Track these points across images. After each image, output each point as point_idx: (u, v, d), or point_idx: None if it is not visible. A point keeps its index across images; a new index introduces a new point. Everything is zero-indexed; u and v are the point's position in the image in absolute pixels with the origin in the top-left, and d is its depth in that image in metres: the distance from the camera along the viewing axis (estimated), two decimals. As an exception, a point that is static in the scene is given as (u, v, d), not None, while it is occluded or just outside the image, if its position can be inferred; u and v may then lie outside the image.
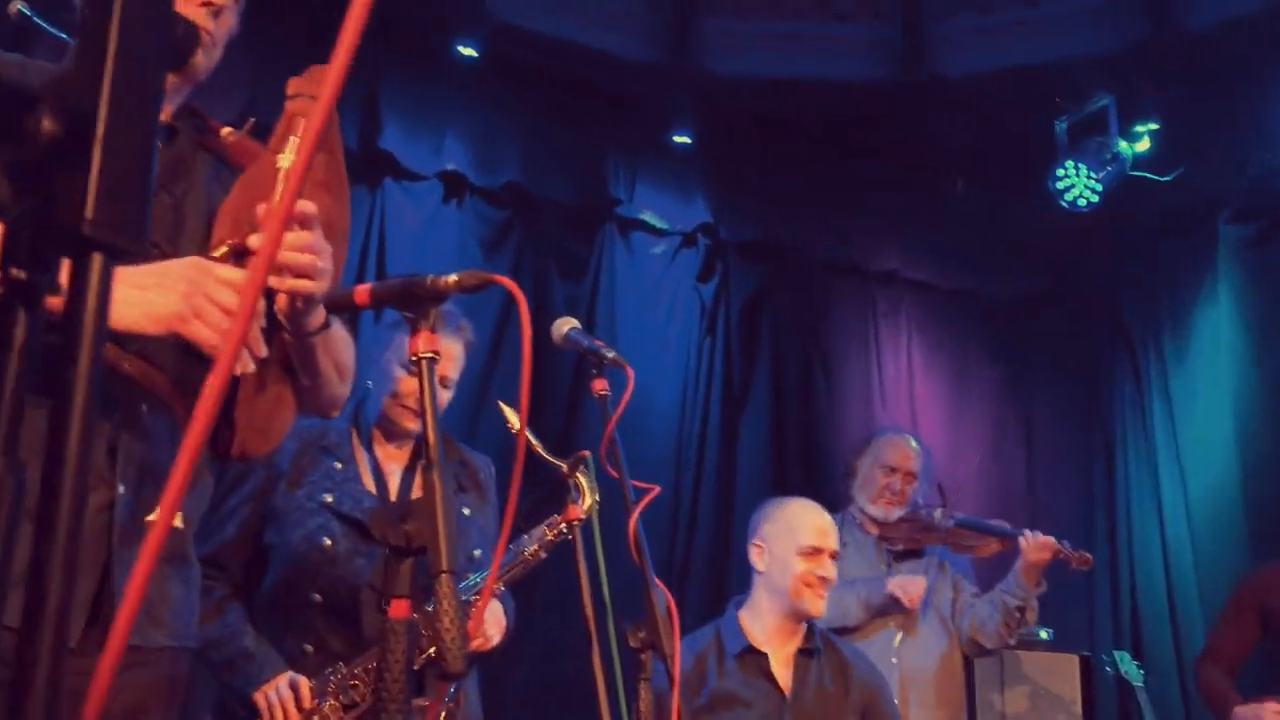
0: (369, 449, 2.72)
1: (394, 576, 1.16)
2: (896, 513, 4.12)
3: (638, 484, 2.10)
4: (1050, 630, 4.89)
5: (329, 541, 2.46)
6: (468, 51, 5.10)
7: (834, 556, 3.26)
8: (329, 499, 2.48)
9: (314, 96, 1.65)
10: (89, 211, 0.47)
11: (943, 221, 6.09)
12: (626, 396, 2.12)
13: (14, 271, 0.51)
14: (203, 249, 1.61)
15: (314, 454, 2.58)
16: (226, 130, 1.82)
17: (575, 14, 5.53)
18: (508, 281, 1.31)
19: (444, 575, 1.16)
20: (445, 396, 2.71)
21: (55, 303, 0.55)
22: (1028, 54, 5.41)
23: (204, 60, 1.78)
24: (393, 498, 2.66)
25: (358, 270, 4.98)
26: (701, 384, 5.68)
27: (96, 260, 0.50)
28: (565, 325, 2.33)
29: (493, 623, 2.54)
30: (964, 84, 5.54)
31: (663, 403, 5.56)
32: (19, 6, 1.94)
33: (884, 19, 5.76)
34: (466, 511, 2.70)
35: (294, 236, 1.53)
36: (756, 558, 3.32)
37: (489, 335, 5.14)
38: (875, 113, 5.73)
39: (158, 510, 1.36)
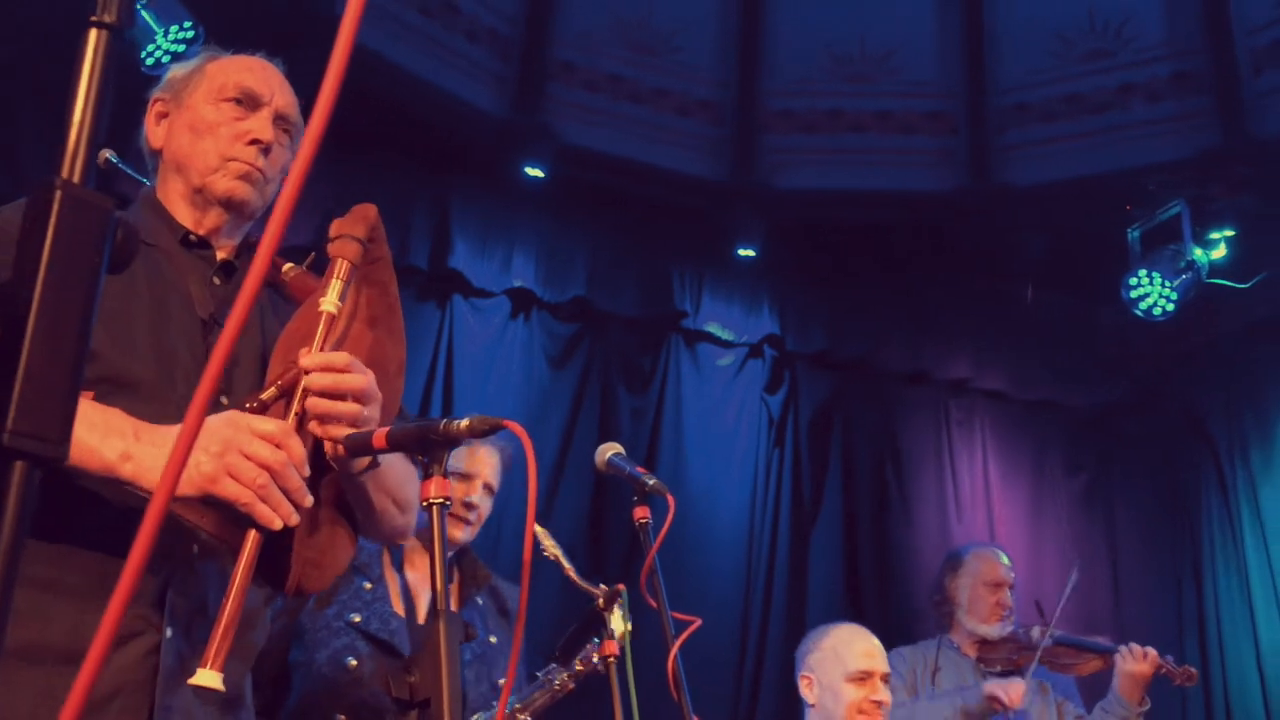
0: (400, 570, 2.73)
1: (398, 730, 1.14)
2: (1009, 627, 3.96)
3: (679, 615, 2.07)
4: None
5: (354, 661, 2.45)
6: (534, 173, 5.22)
7: (885, 679, 3.16)
8: (356, 619, 2.48)
9: (356, 237, 1.67)
10: (10, 422, 0.49)
11: (1016, 331, 6.00)
12: (667, 525, 2.09)
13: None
14: (258, 387, 1.63)
15: (344, 573, 2.58)
16: (287, 267, 1.83)
17: (638, 134, 5.66)
18: (515, 426, 1.31)
19: (444, 730, 1.13)
20: (486, 505, 2.77)
21: None
22: (1096, 163, 5.39)
23: (256, 199, 1.80)
24: (420, 620, 2.65)
25: (424, 386, 5.06)
26: (770, 497, 5.62)
27: (18, 468, 0.51)
28: (609, 451, 2.32)
29: None
30: (1032, 193, 5.52)
31: (730, 517, 5.50)
32: (108, 155, 2.03)
33: (949, 132, 5.79)
34: (494, 640, 2.70)
35: (351, 379, 1.54)
36: (806, 690, 3.22)
37: (554, 454, 5.16)
38: (942, 222, 5.72)
39: (199, 673, 1.37)
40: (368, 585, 2.62)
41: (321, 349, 1.57)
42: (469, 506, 2.77)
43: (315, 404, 1.53)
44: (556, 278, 5.41)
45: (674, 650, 1.98)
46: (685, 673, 5.20)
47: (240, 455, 1.44)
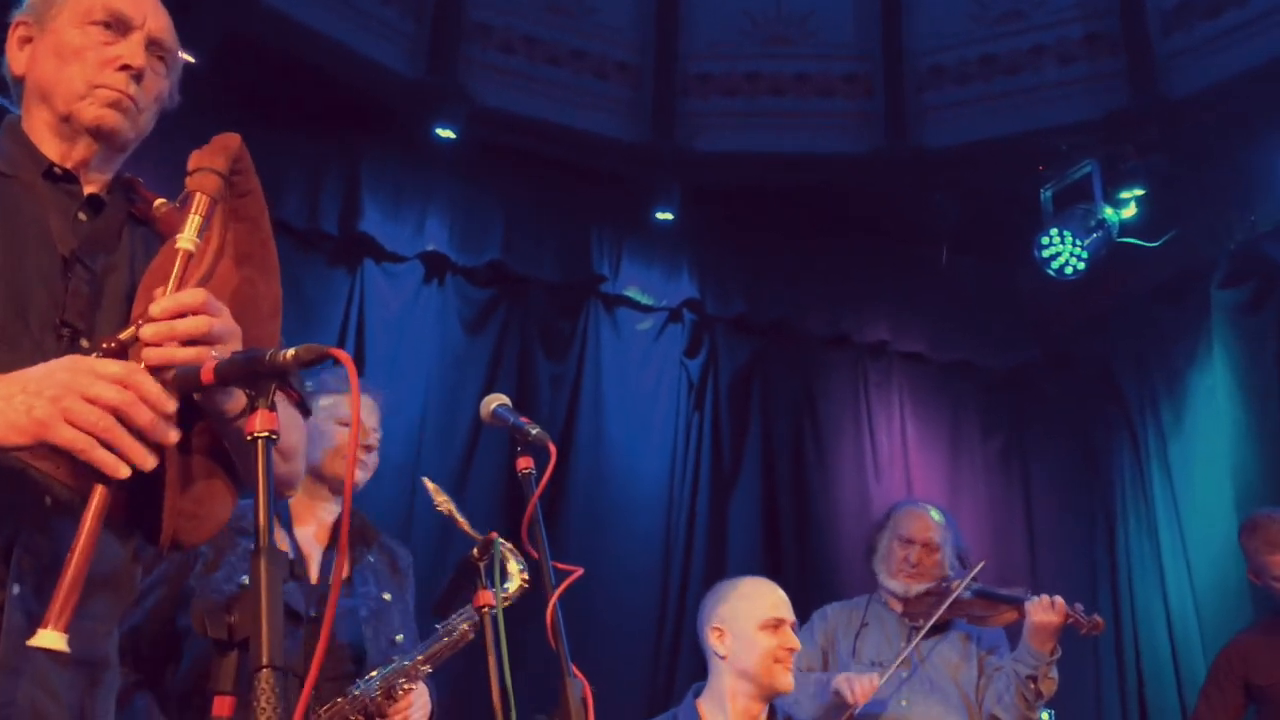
0: (289, 529, 2.67)
1: (218, 671, 1.09)
2: (918, 587, 3.95)
3: (559, 565, 2.04)
4: (1052, 711, 4.71)
5: None
6: (446, 134, 5.13)
7: (794, 627, 3.17)
8: (247, 581, 2.42)
9: (216, 170, 1.54)
10: None
11: (932, 292, 6.04)
12: (548, 473, 2.07)
13: None
14: (123, 325, 1.52)
15: (231, 536, 2.52)
16: (159, 202, 1.73)
17: (556, 96, 5.59)
18: (341, 354, 1.26)
19: (264, 670, 1.09)
20: (373, 457, 2.81)
21: None
22: (1009, 123, 5.42)
23: (127, 128, 1.70)
24: (313, 580, 2.60)
25: (337, 353, 4.97)
26: (690, 461, 5.61)
27: None
28: (494, 402, 2.28)
29: (419, 706, 2.46)
30: (948, 155, 5.55)
31: (650, 481, 5.50)
32: None
33: (866, 94, 5.79)
34: (387, 597, 2.67)
35: (187, 324, 1.44)
36: (716, 641, 3.19)
37: (470, 421, 5.11)
38: (859, 185, 5.73)
39: (39, 633, 1.30)
40: (252, 545, 2.55)
41: (178, 288, 1.47)
42: (368, 449, 2.79)
43: (149, 354, 1.43)
44: (472, 241, 5.34)
45: (553, 600, 1.95)
46: (603, 633, 5.20)
47: (79, 398, 1.35)
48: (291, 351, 1.28)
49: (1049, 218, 5.28)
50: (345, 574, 2.69)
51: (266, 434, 1.28)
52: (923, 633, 3.81)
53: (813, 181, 5.77)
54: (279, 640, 1.11)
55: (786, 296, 5.91)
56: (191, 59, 4.43)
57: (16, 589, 1.44)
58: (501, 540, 2.17)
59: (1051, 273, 5.21)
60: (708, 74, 5.86)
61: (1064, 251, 5.18)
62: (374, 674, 2.49)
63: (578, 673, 1.94)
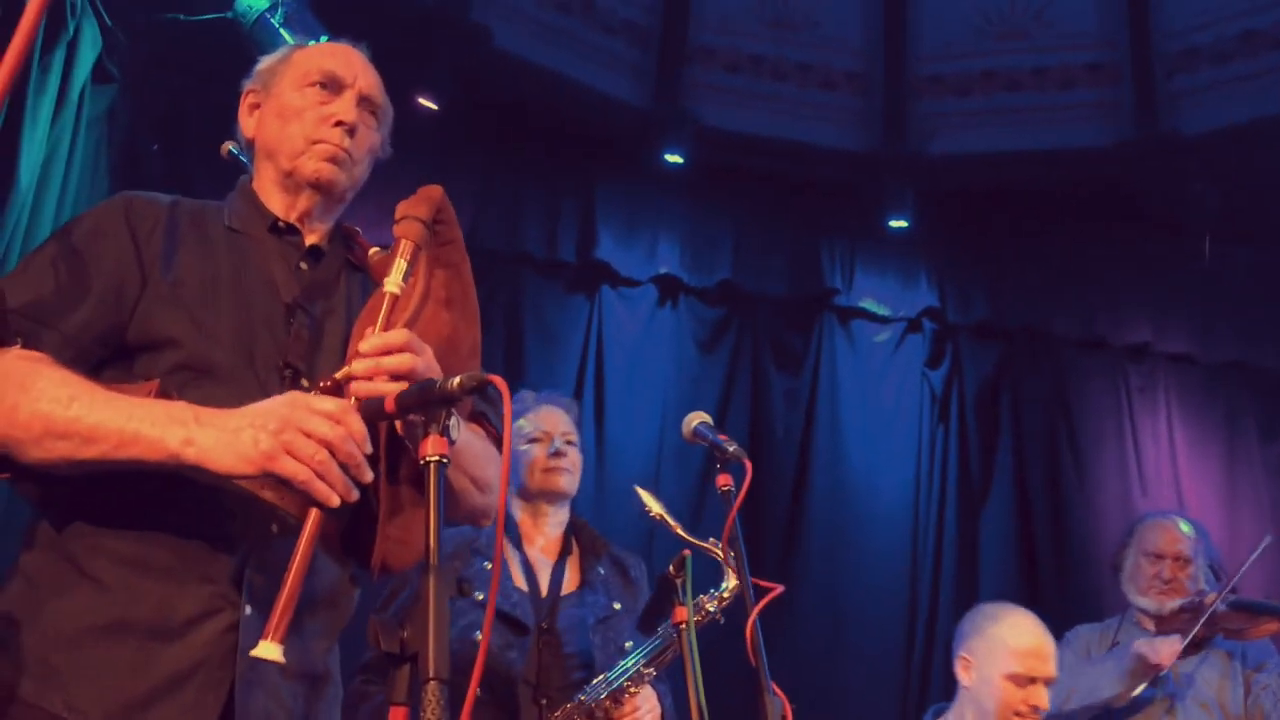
0: (519, 548, 2.80)
1: (392, 683, 1.16)
2: (1172, 604, 3.69)
3: (759, 582, 2.03)
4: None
5: (479, 636, 2.51)
6: (674, 159, 5.23)
7: (1049, 684, 2.98)
8: (480, 596, 2.54)
9: (420, 218, 1.65)
10: None
11: (1198, 288, 5.61)
12: (744, 489, 2.07)
13: None
14: (341, 365, 1.63)
15: (466, 556, 2.68)
16: (374, 250, 1.86)
17: (783, 111, 5.59)
18: (496, 379, 1.31)
19: (431, 683, 1.14)
20: (574, 454, 2.88)
21: None
22: (1274, 103, 4.98)
23: (344, 179, 1.84)
24: (543, 592, 2.73)
25: (576, 377, 5.14)
26: (936, 476, 5.43)
27: None
28: (695, 420, 2.30)
29: (647, 709, 2.51)
30: (1204, 140, 5.16)
31: (893, 498, 5.35)
32: (230, 148, 2.13)
33: (1112, 83, 5.47)
34: (617, 606, 2.74)
35: (392, 361, 1.54)
36: (962, 671, 3.07)
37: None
38: (1108, 178, 5.41)
39: (259, 644, 1.41)
40: (488, 565, 2.69)
41: (385, 328, 1.57)
42: (558, 455, 2.85)
43: (357, 388, 1.53)
44: (702, 262, 5.40)
45: (753, 616, 1.94)
46: (849, 653, 5.08)
47: (298, 432, 1.46)
48: (457, 380, 1.34)
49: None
50: (575, 585, 2.80)
51: (438, 458, 1.34)
52: (1184, 646, 3.53)
53: (1057, 177, 5.50)
54: (445, 654, 1.16)
55: (1033, 299, 5.63)
56: (434, 106, 4.77)
57: (249, 610, 1.56)
58: (721, 547, 2.17)
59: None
60: (939, 75, 5.70)
61: (1346, 236, 4.70)
62: (599, 679, 2.56)
63: (778, 691, 1.92)
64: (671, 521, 2.32)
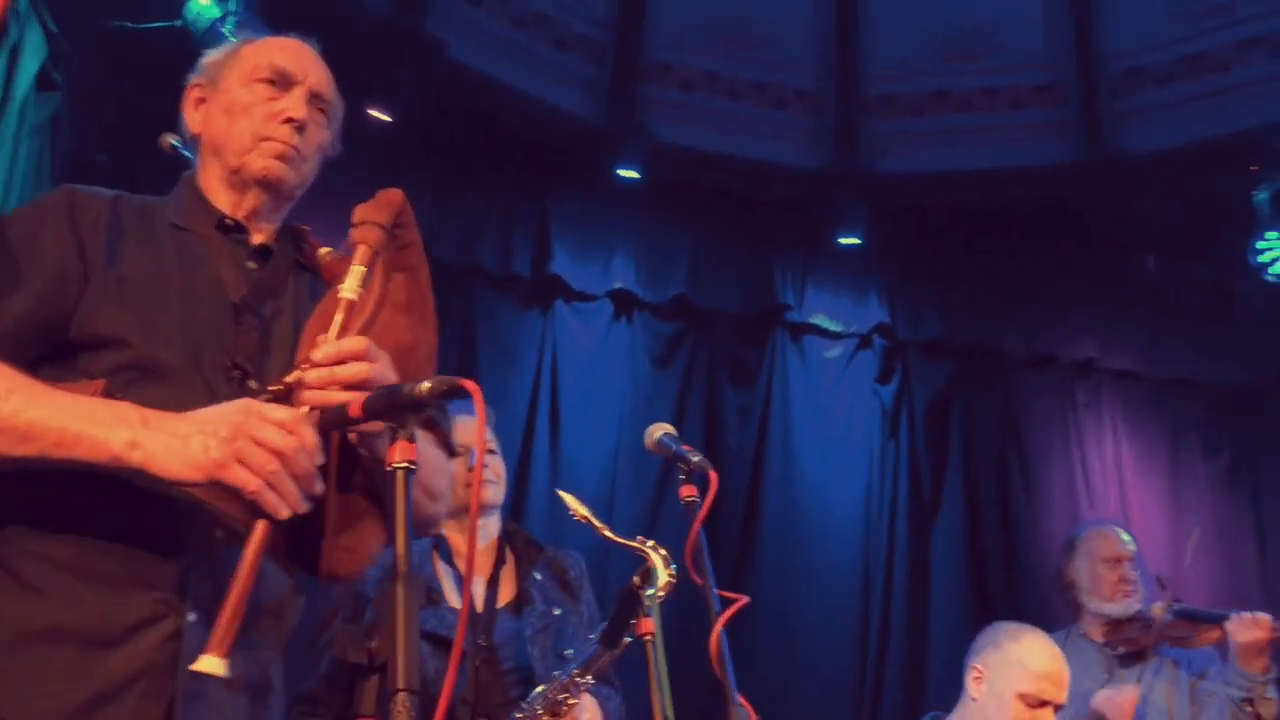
0: (450, 563, 2.74)
1: (360, 694, 1.13)
2: (1135, 605, 3.74)
3: (724, 594, 2.01)
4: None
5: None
6: (629, 174, 5.23)
7: (1058, 709, 2.96)
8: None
9: (379, 223, 1.61)
10: None
11: (1143, 305, 5.71)
12: (709, 500, 2.06)
13: None
14: (289, 367, 1.60)
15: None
16: (324, 251, 1.81)
17: (737, 128, 5.62)
18: (470, 384, 1.29)
19: (400, 694, 1.11)
20: (496, 462, 2.83)
21: None
22: (1217, 124, 5.10)
23: (292, 177, 1.80)
24: (479, 609, 2.67)
25: (531, 392, 5.12)
26: (887, 491, 5.47)
27: None
28: (658, 431, 2.28)
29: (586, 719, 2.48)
30: (1151, 158, 5.26)
31: (845, 513, 5.38)
32: (172, 141, 2.07)
33: (1059, 104, 5.57)
34: (557, 612, 2.70)
35: (347, 370, 1.51)
36: (973, 682, 3.05)
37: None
38: (1056, 196, 5.50)
39: (200, 659, 1.37)
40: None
41: (340, 336, 1.54)
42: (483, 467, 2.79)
43: (310, 397, 1.50)
44: (657, 277, 5.41)
45: (717, 627, 1.92)
46: (801, 667, 5.08)
47: (250, 441, 1.43)
48: (426, 384, 1.32)
49: (1265, 221, 4.92)
50: (511, 597, 2.75)
51: (405, 464, 1.31)
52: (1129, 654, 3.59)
53: (1007, 196, 5.57)
54: (415, 664, 1.13)
55: (983, 316, 5.70)
56: (388, 118, 4.74)
57: (193, 616, 1.52)
58: (649, 544, 2.16)
59: (1271, 278, 4.85)
60: (891, 95, 5.76)
61: (1284, 254, 4.82)
62: (536, 692, 2.51)
63: (744, 702, 1.91)
64: (597, 523, 2.30)
